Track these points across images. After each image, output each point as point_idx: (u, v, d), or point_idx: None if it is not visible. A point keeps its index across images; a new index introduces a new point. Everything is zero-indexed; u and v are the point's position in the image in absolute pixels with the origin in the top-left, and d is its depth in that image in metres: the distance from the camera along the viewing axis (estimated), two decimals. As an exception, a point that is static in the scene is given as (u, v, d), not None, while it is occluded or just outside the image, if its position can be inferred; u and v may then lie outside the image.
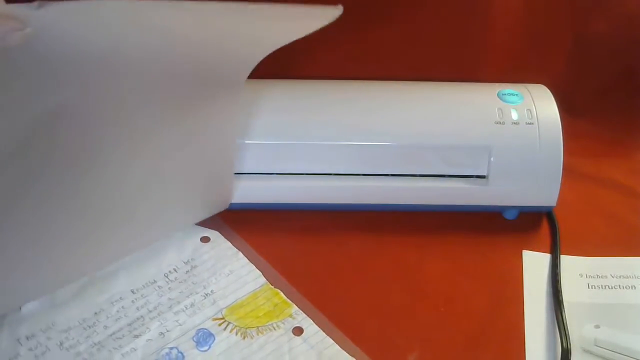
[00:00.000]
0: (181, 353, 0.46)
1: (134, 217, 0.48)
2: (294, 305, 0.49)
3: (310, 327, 0.48)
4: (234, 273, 0.52)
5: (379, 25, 0.67)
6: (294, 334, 0.47)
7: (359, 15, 0.66)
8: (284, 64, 0.68)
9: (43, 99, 0.33)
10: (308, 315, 0.48)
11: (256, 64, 0.44)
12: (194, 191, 0.52)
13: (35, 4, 0.28)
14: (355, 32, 0.67)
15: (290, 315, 0.48)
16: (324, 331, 0.47)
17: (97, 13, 0.30)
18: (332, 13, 0.40)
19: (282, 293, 0.50)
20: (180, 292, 0.50)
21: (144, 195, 0.47)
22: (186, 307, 0.49)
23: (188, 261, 0.53)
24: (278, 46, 0.43)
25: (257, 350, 0.46)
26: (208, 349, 0.46)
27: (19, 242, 0.41)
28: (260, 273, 0.52)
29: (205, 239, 0.55)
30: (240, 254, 0.53)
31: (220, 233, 0.55)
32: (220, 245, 0.54)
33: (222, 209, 0.55)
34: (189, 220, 0.55)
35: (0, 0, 0.28)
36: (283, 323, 0.48)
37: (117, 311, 0.48)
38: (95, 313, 0.48)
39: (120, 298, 0.49)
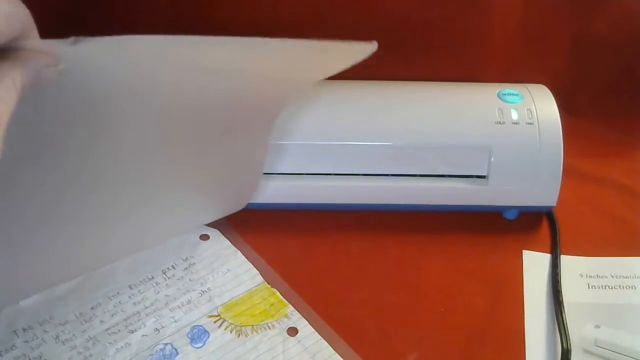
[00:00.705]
0: (175, 349, 0.46)
1: (142, 217, 0.48)
2: (290, 306, 0.49)
3: (305, 328, 0.48)
4: (231, 271, 0.52)
5: (378, 24, 0.66)
6: (288, 334, 0.47)
7: (359, 14, 0.66)
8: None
9: (70, 128, 0.34)
10: (303, 316, 0.48)
11: (291, 100, 0.44)
12: (211, 194, 0.52)
13: (70, 39, 0.28)
14: (355, 32, 0.67)
15: (286, 316, 0.48)
16: (318, 333, 0.47)
17: (132, 49, 0.31)
18: (367, 49, 0.40)
19: (278, 293, 0.50)
20: (177, 289, 0.50)
21: (155, 196, 0.47)
22: (182, 304, 0.49)
23: (187, 258, 0.53)
24: (314, 82, 0.44)
25: (251, 348, 0.46)
26: (202, 345, 0.46)
27: (22, 237, 0.42)
28: (258, 272, 0.52)
29: (204, 237, 0.55)
30: (239, 252, 0.53)
31: (220, 231, 0.55)
32: (219, 243, 0.54)
33: (238, 209, 0.54)
34: (203, 221, 0.54)
35: (35, 35, 0.28)
36: (278, 323, 0.48)
37: (114, 306, 0.49)
38: (92, 307, 0.49)
39: (118, 293, 0.50)
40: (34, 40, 0.28)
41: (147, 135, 0.39)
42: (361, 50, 0.40)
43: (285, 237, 0.56)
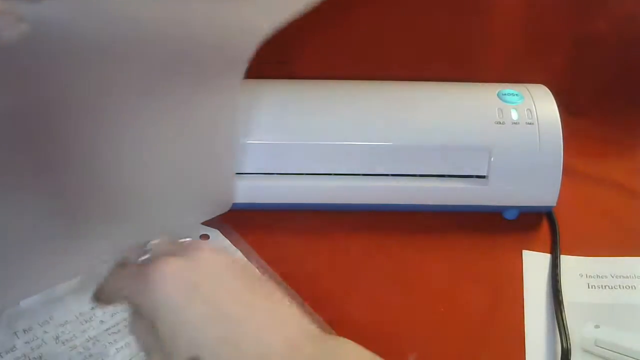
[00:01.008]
0: None
1: (132, 217, 0.48)
2: None
3: None
4: None
5: (379, 25, 0.67)
6: None
7: (359, 15, 0.66)
8: (283, 64, 0.68)
9: (37, 92, 0.33)
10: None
11: (258, 42, 0.43)
12: (193, 192, 0.51)
13: None
14: (355, 33, 0.67)
15: None
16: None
17: (95, 4, 0.30)
18: None
19: None
20: None
21: (141, 194, 0.46)
22: None
23: None
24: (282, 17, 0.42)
25: None
26: None
27: (21, 234, 0.41)
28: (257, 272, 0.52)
29: (204, 237, 0.55)
30: (239, 252, 0.53)
31: (220, 231, 0.55)
32: (219, 243, 0.54)
33: (223, 211, 0.54)
34: (190, 222, 0.54)
35: None
36: None
37: (114, 306, 0.49)
38: (92, 307, 0.49)
39: None
40: None
41: (112, 97, 0.38)
42: None
43: (285, 236, 0.56)
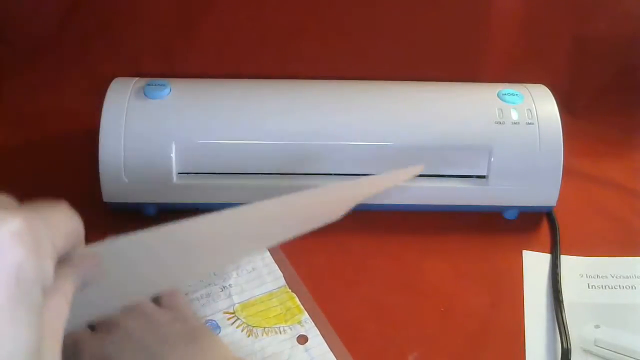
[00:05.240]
0: None
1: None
2: (305, 313, 0.49)
3: (316, 338, 0.47)
4: (255, 270, 0.52)
5: (379, 25, 0.67)
6: (298, 341, 0.47)
7: (359, 15, 0.66)
8: (285, 64, 0.68)
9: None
10: (316, 326, 0.48)
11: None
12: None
13: (107, 241, 0.30)
14: (355, 33, 0.67)
15: (299, 322, 0.48)
16: (328, 345, 0.47)
17: (157, 242, 0.33)
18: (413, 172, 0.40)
19: (297, 298, 0.50)
20: (199, 281, 0.50)
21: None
22: (202, 297, 0.49)
23: None
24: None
25: (259, 350, 0.46)
26: None
27: None
28: (281, 274, 0.51)
29: None
30: (267, 252, 0.53)
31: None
32: None
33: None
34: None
35: (82, 243, 0.30)
36: (290, 328, 0.48)
37: None
38: None
39: None
40: (81, 248, 0.29)
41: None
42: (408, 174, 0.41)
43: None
